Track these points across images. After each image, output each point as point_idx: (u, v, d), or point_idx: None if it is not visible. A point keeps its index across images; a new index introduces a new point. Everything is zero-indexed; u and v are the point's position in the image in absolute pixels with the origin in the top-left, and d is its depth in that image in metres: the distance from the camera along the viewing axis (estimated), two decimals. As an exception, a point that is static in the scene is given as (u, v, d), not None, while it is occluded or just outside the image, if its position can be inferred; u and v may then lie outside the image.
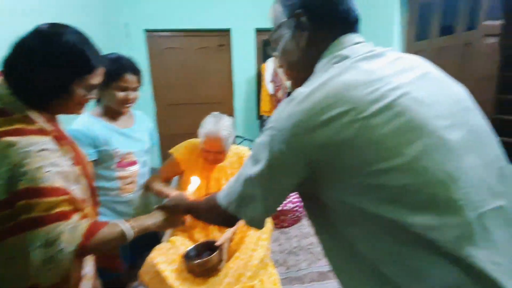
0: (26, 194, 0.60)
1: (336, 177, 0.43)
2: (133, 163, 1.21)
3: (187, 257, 1.15)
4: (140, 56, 3.21)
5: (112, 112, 1.19)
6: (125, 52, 3.65)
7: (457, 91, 0.48)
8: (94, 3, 2.64)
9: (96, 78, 0.72)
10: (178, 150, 1.33)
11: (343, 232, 0.47)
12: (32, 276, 0.62)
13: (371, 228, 0.43)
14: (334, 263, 0.54)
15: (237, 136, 3.40)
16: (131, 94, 1.16)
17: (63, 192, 0.64)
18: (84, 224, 0.66)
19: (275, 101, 3.26)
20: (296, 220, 1.71)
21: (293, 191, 0.50)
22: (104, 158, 1.14)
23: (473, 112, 0.47)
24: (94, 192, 0.82)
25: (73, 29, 0.68)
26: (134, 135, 1.23)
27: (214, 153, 1.23)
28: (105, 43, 2.76)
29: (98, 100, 1.24)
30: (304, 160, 0.44)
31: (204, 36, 3.44)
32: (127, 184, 1.20)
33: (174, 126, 3.64)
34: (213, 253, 1.12)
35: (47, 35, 0.65)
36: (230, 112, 3.73)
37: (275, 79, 3.18)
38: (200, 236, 1.31)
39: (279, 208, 1.63)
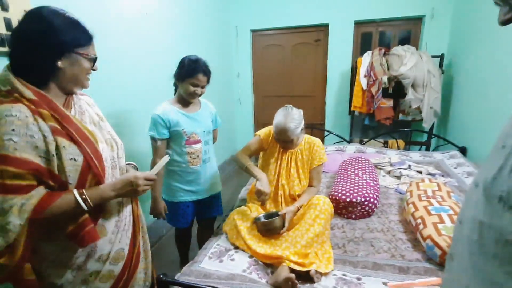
0: None
1: None
2: (198, 141, 1.55)
3: (257, 219, 1.45)
4: (245, 53, 3.71)
5: (184, 101, 1.54)
6: (234, 49, 4.34)
7: None
8: (210, 8, 3.17)
9: (93, 49, 0.79)
10: (263, 132, 1.64)
11: None
12: None
13: None
14: None
15: (325, 130, 3.47)
16: (199, 90, 1.47)
17: (25, 164, 0.63)
18: (34, 200, 0.65)
19: (368, 97, 3.14)
20: (365, 215, 1.73)
21: None
22: (176, 137, 1.51)
23: None
24: (98, 175, 0.78)
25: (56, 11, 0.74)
26: (199, 118, 1.56)
27: (282, 141, 1.45)
28: (219, 42, 3.36)
29: (175, 91, 1.59)
30: None
31: (302, 32, 3.63)
32: (193, 158, 1.56)
33: (267, 116, 4.04)
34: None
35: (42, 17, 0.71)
36: (321, 106, 3.82)
37: (369, 74, 3.06)
38: (271, 207, 1.60)
39: (347, 199, 1.70)
